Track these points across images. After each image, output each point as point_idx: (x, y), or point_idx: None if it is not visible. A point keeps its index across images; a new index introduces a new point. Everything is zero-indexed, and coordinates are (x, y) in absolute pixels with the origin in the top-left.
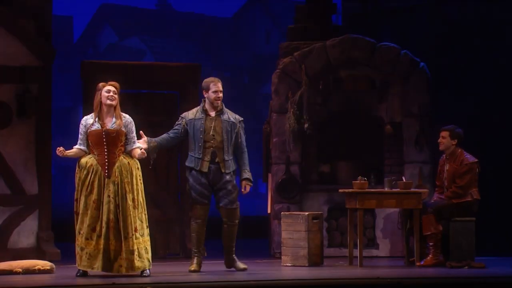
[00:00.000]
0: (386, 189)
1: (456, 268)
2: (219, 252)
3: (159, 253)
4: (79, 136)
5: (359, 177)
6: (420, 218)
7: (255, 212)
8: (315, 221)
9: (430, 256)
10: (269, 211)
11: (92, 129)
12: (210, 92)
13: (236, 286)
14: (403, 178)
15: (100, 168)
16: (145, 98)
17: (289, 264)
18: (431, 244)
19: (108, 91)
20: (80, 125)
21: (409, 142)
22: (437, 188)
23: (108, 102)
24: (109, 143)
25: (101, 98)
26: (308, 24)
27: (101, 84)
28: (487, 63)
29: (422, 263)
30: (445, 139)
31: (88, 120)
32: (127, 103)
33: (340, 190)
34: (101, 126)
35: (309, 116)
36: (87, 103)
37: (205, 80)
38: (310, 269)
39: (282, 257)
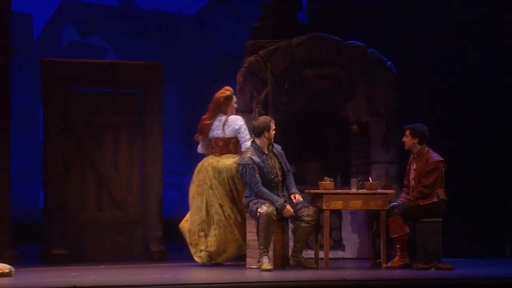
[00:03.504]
0: (353, 190)
1: (422, 270)
2: (179, 254)
3: (122, 256)
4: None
5: (325, 178)
6: (387, 219)
7: None
8: (280, 222)
9: (397, 257)
10: None
11: None
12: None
13: None
14: (370, 178)
15: None
16: (107, 98)
17: (254, 267)
18: (398, 246)
19: (236, 102)
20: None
21: (375, 142)
22: (405, 188)
23: (235, 113)
24: None
25: (232, 108)
26: (274, 22)
27: (229, 95)
28: (455, 63)
29: (388, 264)
30: (407, 138)
31: None
32: (90, 102)
33: (306, 191)
34: None
35: (274, 116)
36: (47, 102)
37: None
38: (275, 271)
39: (247, 259)
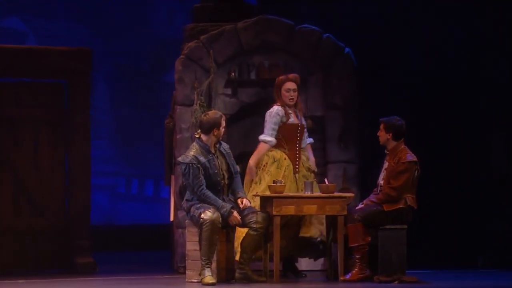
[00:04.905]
0: (307, 193)
1: (385, 283)
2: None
3: (44, 268)
4: (273, 126)
5: (276, 180)
6: (345, 226)
7: (156, 220)
8: (224, 230)
9: (356, 269)
10: (171, 218)
11: (289, 121)
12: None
13: None
14: (326, 180)
15: (290, 163)
16: (26, 88)
17: (195, 280)
18: (357, 256)
19: (288, 90)
20: (276, 115)
21: (332, 139)
22: (375, 188)
23: (290, 103)
24: (301, 138)
25: (281, 96)
26: (217, 3)
27: (280, 79)
28: (424, 51)
29: (347, 277)
30: (381, 132)
31: (282, 111)
32: (5, 93)
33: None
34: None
35: (218, 109)
36: None
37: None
38: (219, 285)
39: (187, 272)
